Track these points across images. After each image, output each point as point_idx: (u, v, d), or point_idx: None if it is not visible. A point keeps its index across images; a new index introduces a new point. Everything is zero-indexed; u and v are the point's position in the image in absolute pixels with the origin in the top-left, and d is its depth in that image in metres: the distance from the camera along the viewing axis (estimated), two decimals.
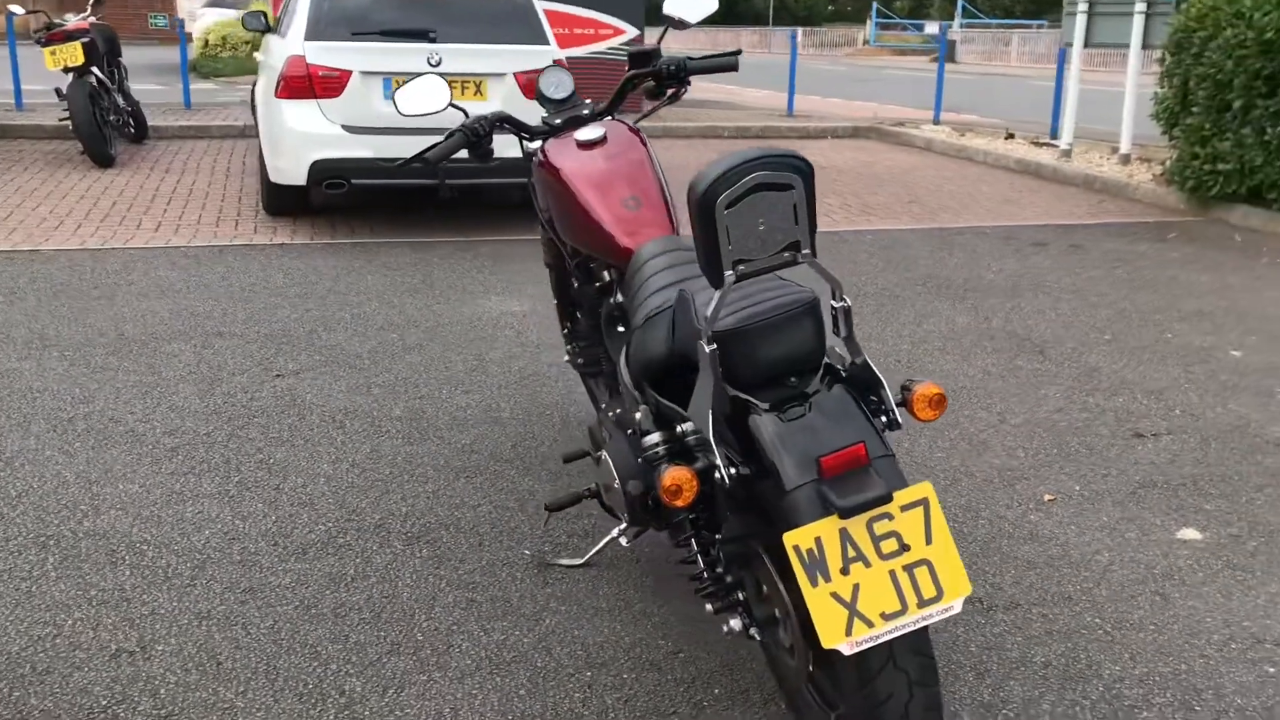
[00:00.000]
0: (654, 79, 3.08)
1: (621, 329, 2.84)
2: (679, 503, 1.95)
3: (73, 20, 9.17)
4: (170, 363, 4.50)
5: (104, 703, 2.41)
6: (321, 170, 6.52)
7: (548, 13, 7.44)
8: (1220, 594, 2.96)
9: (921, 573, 1.83)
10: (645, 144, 2.93)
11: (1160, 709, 2.47)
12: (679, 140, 11.86)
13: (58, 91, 8.91)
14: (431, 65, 6.53)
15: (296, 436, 3.83)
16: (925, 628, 1.88)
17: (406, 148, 6.49)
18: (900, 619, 1.82)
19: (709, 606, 2.26)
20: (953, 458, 3.78)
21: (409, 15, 6.68)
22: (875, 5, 46.99)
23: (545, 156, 2.95)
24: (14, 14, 10.59)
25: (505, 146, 6.70)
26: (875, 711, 1.90)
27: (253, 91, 10.45)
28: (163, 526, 3.19)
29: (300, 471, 3.56)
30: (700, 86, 18.43)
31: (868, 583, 1.82)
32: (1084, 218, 8.09)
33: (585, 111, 3.06)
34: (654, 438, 2.26)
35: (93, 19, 9.35)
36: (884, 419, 1.98)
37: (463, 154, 6.55)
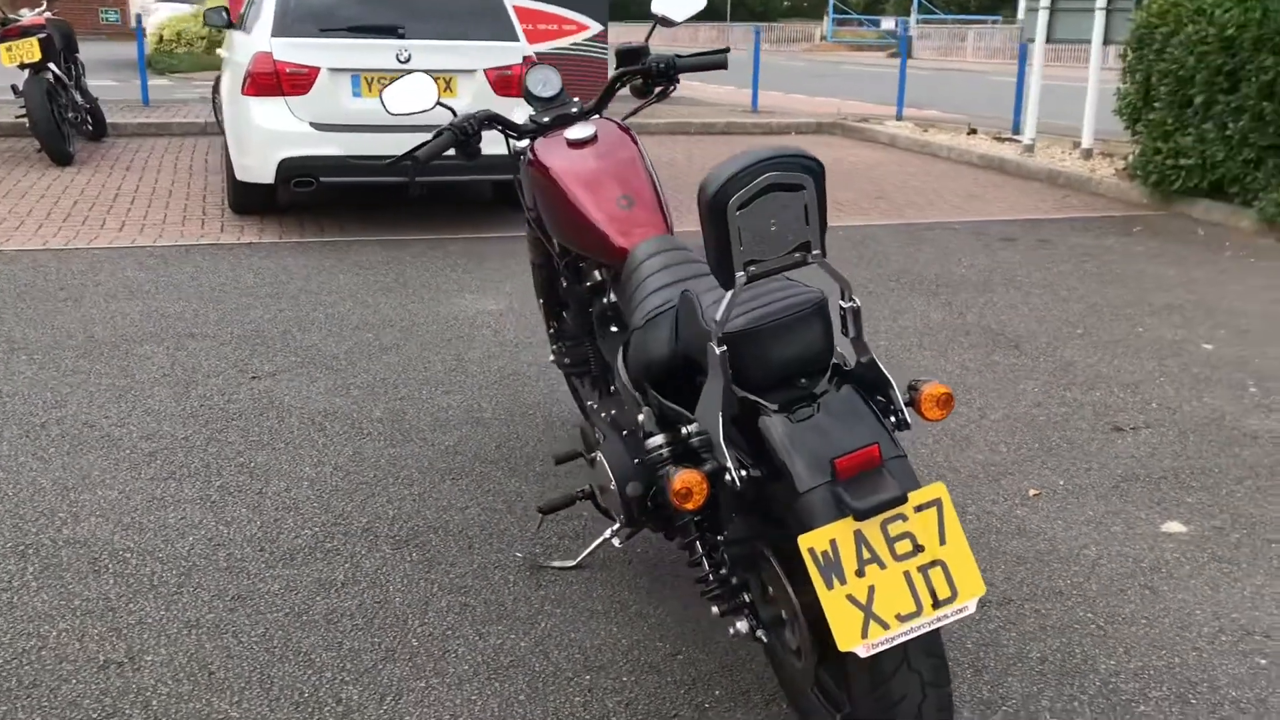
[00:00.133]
0: (643, 77, 3.06)
1: (615, 329, 2.82)
2: (689, 506, 1.94)
3: (28, 16, 9.01)
4: (143, 365, 4.43)
5: (95, 716, 2.37)
6: (290, 168, 6.44)
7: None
8: (1208, 586, 2.99)
9: (936, 573, 1.83)
10: (636, 142, 2.91)
11: (1157, 703, 2.49)
12: (645, 136, 11.81)
13: (14, 89, 8.76)
14: (401, 62, 6.47)
15: (277, 439, 3.78)
16: (937, 628, 1.88)
17: (375, 146, 6.48)
18: (915, 620, 1.82)
19: (715, 609, 2.25)
20: (936, 454, 3.80)
21: (378, 11, 6.62)
22: (832, 1, 47.21)
23: (535, 155, 2.93)
24: None
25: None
26: (889, 713, 1.90)
27: (214, 88, 10.33)
28: (145, 533, 3.13)
29: (283, 475, 3.51)
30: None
31: (883, 584, 1.81)
32: (1050, 212, 8.17)
33: (574, 110, 3.04)
34: (657, 440, 2.25)
35: (49, 14, 9.19)
36: (893, 419, 1.98)
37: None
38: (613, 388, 3.07)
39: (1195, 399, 4.34)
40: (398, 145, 6.39)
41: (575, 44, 12.38)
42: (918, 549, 1.83)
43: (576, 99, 3.10)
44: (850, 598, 1.80)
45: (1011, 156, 10.10)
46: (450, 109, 2.98)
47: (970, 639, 2.71)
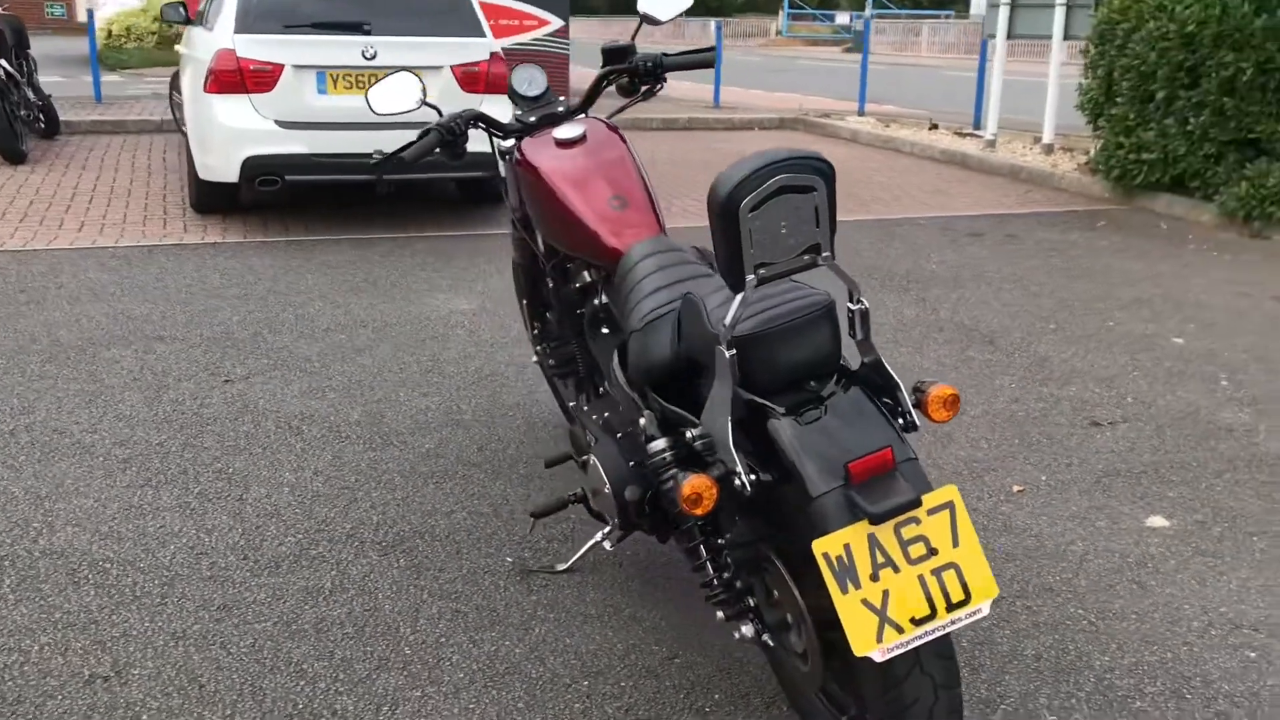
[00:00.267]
0: (629, 76, 3.03)
1: (606, 330, 2.79)
2: (698, 511, 1.92)
3: None
4: (111, 369, 4.34)
5: None
6: (254, 167, 6.34)
7: None
8: (1195, 580, 3.01)
9: (949, 576, 1.82)
10: (625, 141, 2.89)
11: (1153, 698, 2.51)
12: None
13: None
14: (366, 59, 6.40)
15: (254, 444, 3.71)
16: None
17: (341, 143, 6.40)
18: (930, 624, 1.81)
19: (720, 614, 2.23)
20: (919, 451, 3.79)
21: (342, 7, 6.53)
22: None
23: (523, 155, 2.89)
24: None
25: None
26: (901, 716, 1.89)
27: (171, 84, 10.17)
28: (124, 543, 3.06)
29: (262, 481, 3.45)
30: None
31: (897, 588, 1.80)
32: (1014, 207, 8.23)
33: (560, 109, 3.01)
34: (660, 444, 2.22)
35: (0, 10, 8.99)
36: (901, 421, 1.97)
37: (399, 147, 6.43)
38: (601, 389, 3.04)
39: (1169, 393, 4.38)
40: (364, 143, 6.38)
41: (536, 39, 12.31)
42: (931, 552, 1.83)
43: (563, 98, 3.07)
44: (865, 602, 1.79)
45: (974, 152, 10.17)
46: (436, 108, 2.94)
47: (966, 637, 2.71)
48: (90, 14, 12.88)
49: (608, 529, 2.81)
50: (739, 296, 1.87)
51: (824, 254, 1.88)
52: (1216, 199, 7.44)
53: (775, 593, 2.17)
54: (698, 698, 2.47)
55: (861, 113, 13.13)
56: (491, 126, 2.99)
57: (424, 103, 2.91)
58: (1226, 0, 7.17)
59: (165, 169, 8.67)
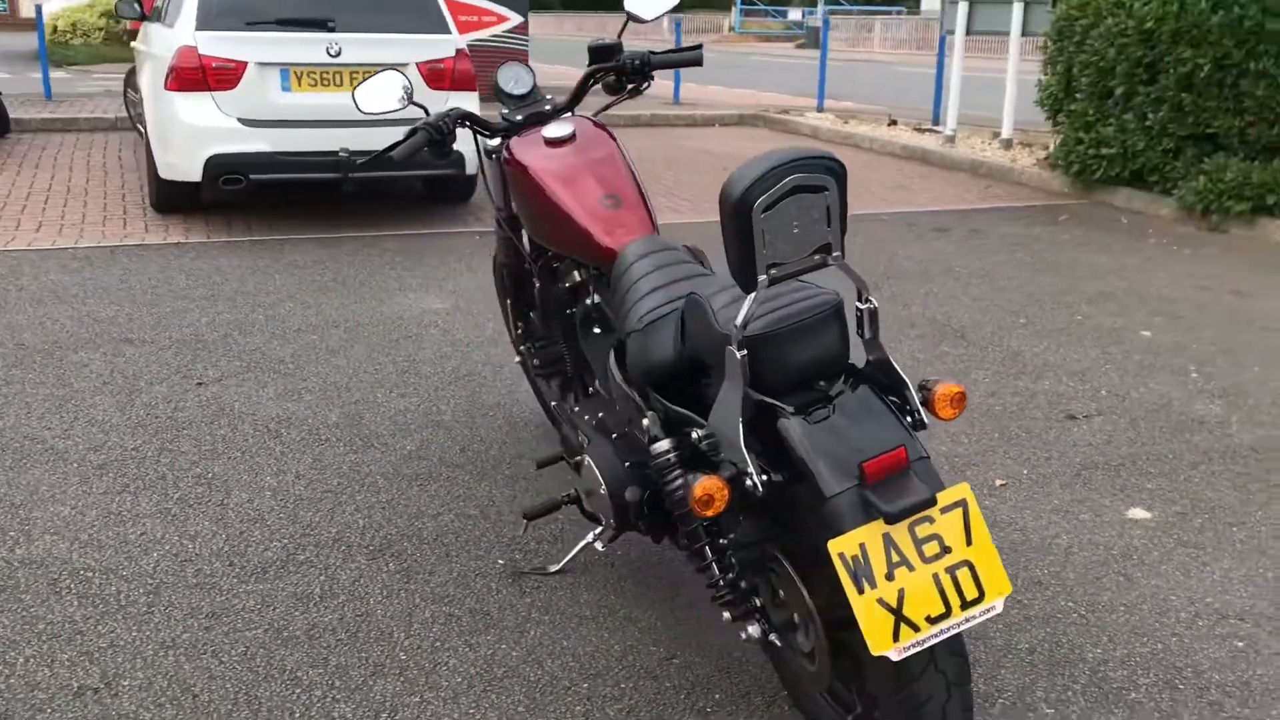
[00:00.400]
0: (616, 74, 3.02)
1: (598, 330, 2.78)
2: (709, 512, 1.91)
3: None
4: (80, 373, 4.26)
5: None
6: (218, 166, 6.25)
7: None
8: (1179, 572, 3.05)
9: (963, 574, 1.83)
10: (614, 139, 2.87)
11: (1147, 690, 2.53)
12: None
13: None
14: (331, 55, 6.33)
15: (232, 448, 3.66)
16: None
17: (306, 141, 6.33)
18: (945, 622, 1.81)
19: (726, 614, 2.23)
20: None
21: (306, 4, 6.45)
22: None
23: (512, 154, 2.86)
24: None
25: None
26: (915, 714, 1.89)
27: (125, 82, 10.00)
28: (105, 550, 3.00)
29: (243, 485, 3.40)
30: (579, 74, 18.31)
31: (912, 587, 1.80)
32: (976, 202, 8.30)
33: (547, 107, 2.98)
34: (664, 444, 2.21)
35: None
36: (909, 419, 1.97)
37: (367, 145, 6.37)
38: (590, 389, 3.03)
39: (1141, 385, 4.43)
40: (329, 141, 6.32)
41: (495, 35, 12.25)
42: (945, 550, 1.83)
43: (550, 96, 3.04)
44: (881, 601, 1.79)
45: (934, 147, 10.25)
46: (423, 107, 2.91)
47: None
48: (38, 9, 12.63)
49: (599, 530, 2.80)
50: (750, 296, 1.87)
51: (835, 253, 1.88)
52: (1175, 193, 7.55)
53: (781, 593, 2.17)
54: (698, 698, 2.47)
55: (820, 109, 13.19)
56: (478, 125, 2.96)
57: (410, 101, 2.87)
58: None
59: (122, 168, 8.52)
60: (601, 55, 3.01)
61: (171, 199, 6.83)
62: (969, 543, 1.84)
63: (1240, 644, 2.72)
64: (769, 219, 1.80)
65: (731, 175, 1.83)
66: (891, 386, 1.99)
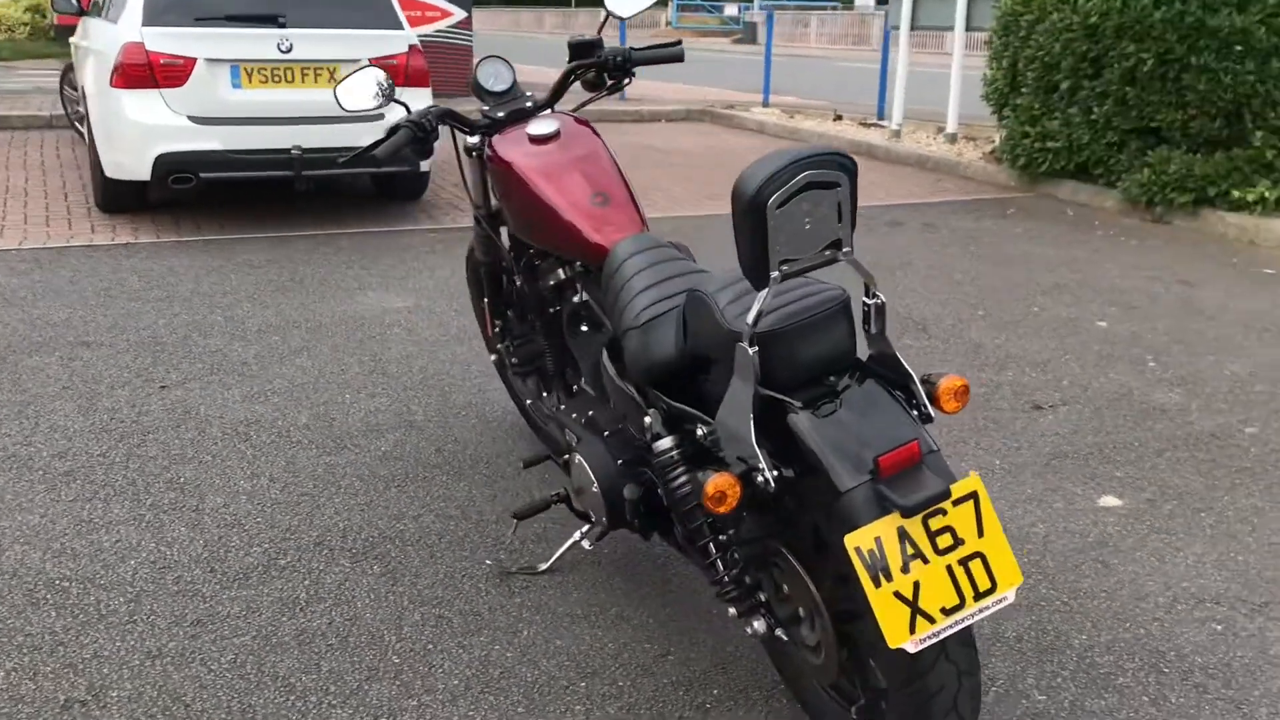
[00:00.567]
0: (597, 70, 3.01)
1: (585, 328, 2.76)
2: (722, 509, 1.91)
3: None
4: (37, 378, 4.16)
5: None
6: (167, 164, 6.13)
7: None
8: (1154, 558, 3.11)
9: (976, 565, 1.85)
10: (599, 136, 2.86)
11: (1134, 674, 2.58)
12: None
13: None
14: (282, 52, 6.23)
15: (202, 452, 3.59)
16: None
17: (259, 139, 6.23)
18: (960, 613, 1.83)
19: (731, 610, 2.23)
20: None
21: None
22: None
23: (496, 152, 2.84)
24: None
25: (364, 135, 6.47)
26: (926, 705, 1.91)
27: (61, 79, 9.77)
28: (80, 559, 2.94)
29: (217, 490, 3.34)
30: (526, 71, 18.23)
31: (927, 579, 1.82)
32: (926, 196, 8.39)
33: (528, 104, 2.97)
34: (667, 442, 2.21)
35: None
36: (915, 413, 1.99)
37: (321, 142, 6.28)
38: (575, 387, 3.02)
39: (1101, 375, 4.52)
40: (282, 138, 6.23)
41: (439, 31, 12.15)
42: (958, 542, 1.85)
43: (530, 93, 3.02)
44: (897, 594, 1.80)
45: (880, 142, 10.34)
46: (404, 105, 2.87)
47: None
48: None
49: (587, 528, 2.80)
50: (763, 293, 1.87)
51: (845, 249, 1.89)
52: (1119, 185, 7.69)
53: (785, 587, 2.18)
54: (697, 694, 2.47)
55: (766, 104, 13.25)
56: (458, 122, 2.94)
57: (392, 99, 2.84)
58: None
59: (62, 166, 8.33)
60: (582, 51, 3.00)
61: (118, 199, 6.69)
62: (980, 534, 1.86)
63: (1218, 627, 2.78)
64: (782, 215, 1.80)
65: (744, 172, 1.83)
66: (897, 380, 2.00)
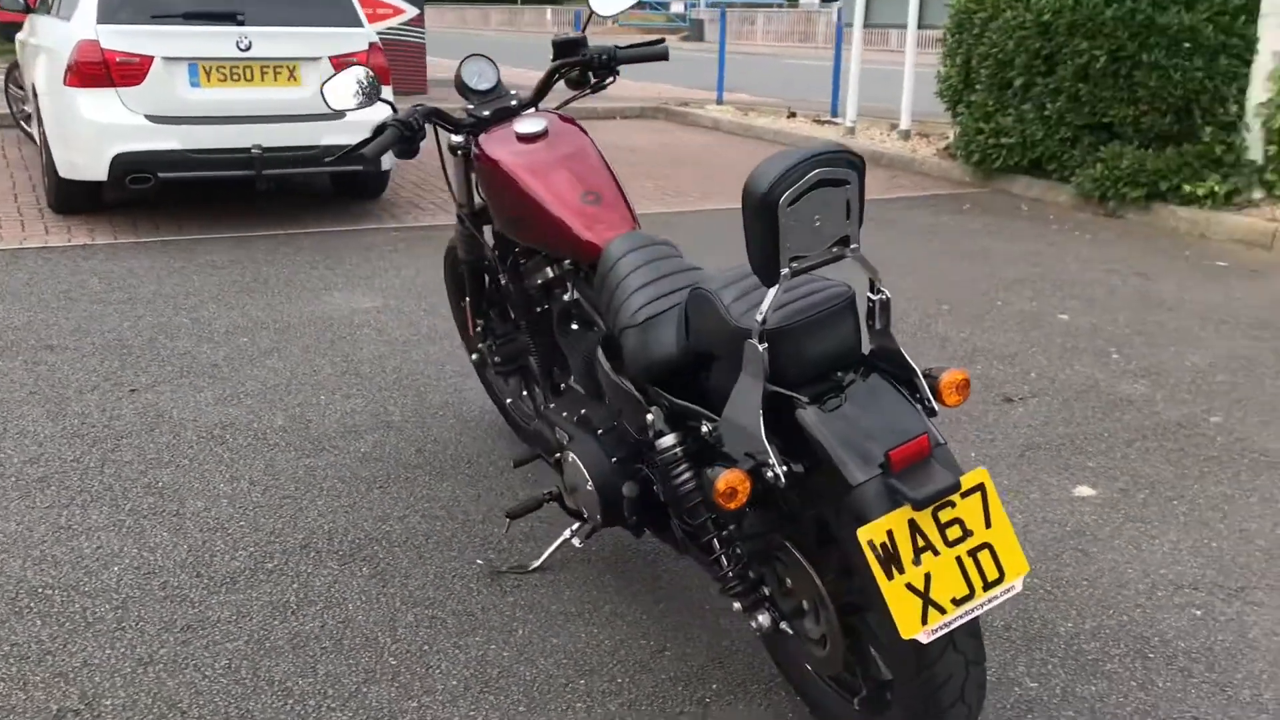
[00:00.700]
0: (581, 68, 3.01)
1: (576, 326, 2.77)
2: (733, 505, 1.92)
3: None
4: (1, 383, 4.08)
5: None
6: (125, 164, 6.03)
7: None
8: (1131, 545, 3.17)
9: (984, 556, 1.88)
10: (586, 134, 2.86)
11: (1120, 660, 2.63)
12: None
13: None
14: (241, 49, 6.16)
15: (178, 456, 3.55)
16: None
17: (217, 138, 6.16)
18: (969, 603, 1.86)
19: (736, 605, 2.25)
20: None
21: None
22: None
23: (483, 150, 2.83)
24: None
25: (324, 134, 6.39)
26: (935, 695, 1.94)
27: (6, 78, 9.58)
28: (61, 566, 2.89)
29: (196, 494, 3.31)
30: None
31: (938, 571, 1.85)
32: (884, 192, 8.47)
33: (513, 103, 2.96)
34: (670, 439, 2.22)
35: None
36: (919, 406, 2.01)
37: (282, 141, 6.22)
38: (563, 385, 3.02)
39: (1068, 367, 4.59)
40: (241, 138, 6.16)
41: (391, 29, 12.05)
42: (967, 534, 1.88)
43: (515, 91, 3.02)
44: (909, 586, 1.83)
45: (835, 138, 10.42)
46: (390, 104, 2.86)
47: None
48: None
49: (577, 526, 2.81)
50: (773, 289, 1.89)
51: (852, 246, 1.92)
52: (1073, 180, 7.81)
53: (789, 581, 2.20)
54: (696, 688, 2.49)
55: (720, 101, 13.30)
56: (444, 121, 2.93)
57: (378, 98, 2.82)
58: None
59: (9, 166, 8.17)
60: (566, 50, 3.00)
61: (72, 199, 6.57)
62: (988, 525, 1.90)
63: (1198, 612, 2.84)
64: (793, 213, 1.82)
65: (756, 170, 1.84)
66: (901, 375, 2.03)
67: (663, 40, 3.08)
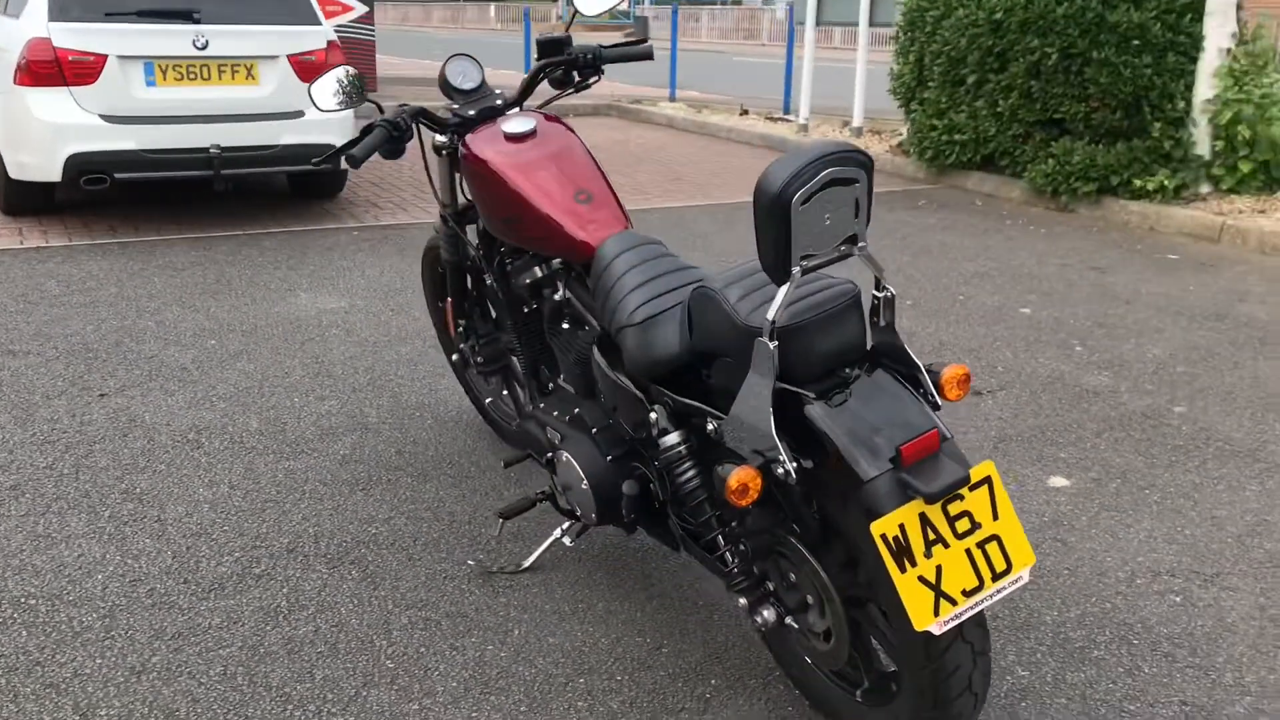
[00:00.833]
0: (566, 67, 3.01)
1: (568, 326, 2.77)
2: (744, 502, 1.94)
3: None
4: None
5: None
6: (79, 165, 5.93)
7: None
8: (1107, 534, 3.24)
9: (992, 548, 1.92)
10: (574, 133, 2.86)
11: (1106, 647, 2.69)
12: None
13: None
14: (198, 48, 6.08)
15: (155, 461, 3.50)
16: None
17: (174, 138, 6.07)
18: (979, 595, 1.90)
19: (742, 601, 2.26)
20: None
21: None
22: None
23: (471, 150, 2.82)
24: None
25: (283, 133, 6.33)
26: (943, 685, 1.97)
27: None
28: (43, 575, 2.84)
29: (176, 499, 3.26)
30: (427, 66, 18.12)
31: (948, 563, 1.88)
32: None
33: (499, 102, 2.96)
34: (674, 437, 2.23)
35: None
36: (923, 402, 2.04)
37: (240, 141, 6.15)
38: (552, 385, 3.02)
39: (1033, 360, 4.67)
40: (198, 137, 6.08)
41: (340, 26, 11.93)
42: (975, 526, 1.91)
43: (500, 90, 3.01)
44: (921, 578, 1.86)
45: (789, 135, 10.49)
46: (377, 105, 2.84)
47: None
48: None
49: (567, 525, 2.81)
50: (784, 288, 1.91)
51: (860, 244, 1.94)
52: (1025, 176, 7.93)
53: (792, 576, 2.22)
54: (696, 684, 2.50)
55: (673, 98, 13.32)
56: (430, 120, 2.91)
57: (365, 99, 2.80)
58: None
59: None
60: (551, 49, 3.00)
61: (23, 200, 6.44)
62: (995, 517, 1.93)
63: (1177, 598, 2.91)
64: (805, 212, 1.84)
65: (768, 169, 1.86)
66: (905, 371, 2.05)
67: (647, 40, 3.09)
